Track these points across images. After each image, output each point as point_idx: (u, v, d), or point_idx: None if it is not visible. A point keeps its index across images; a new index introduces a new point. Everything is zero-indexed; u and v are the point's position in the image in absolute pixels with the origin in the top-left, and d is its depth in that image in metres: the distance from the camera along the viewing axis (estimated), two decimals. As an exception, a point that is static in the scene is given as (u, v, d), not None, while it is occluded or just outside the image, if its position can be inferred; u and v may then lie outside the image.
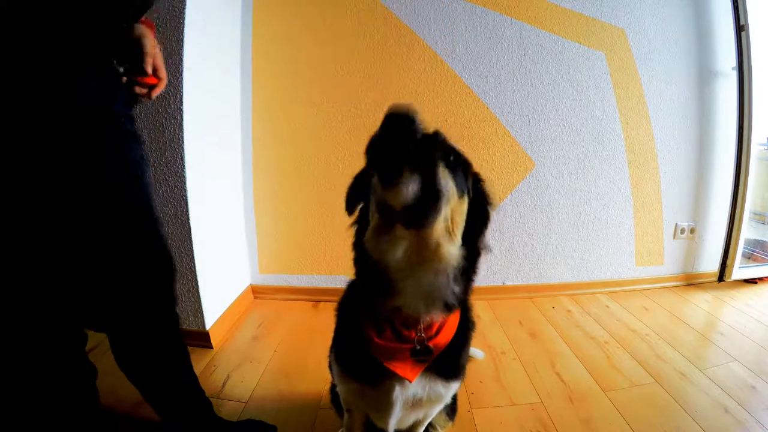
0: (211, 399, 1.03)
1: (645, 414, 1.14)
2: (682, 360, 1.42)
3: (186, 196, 1.36)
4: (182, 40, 1.28)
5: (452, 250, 0.57)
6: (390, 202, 0.49)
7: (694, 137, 2.02)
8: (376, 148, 0.48)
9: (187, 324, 1.46)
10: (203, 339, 1.46)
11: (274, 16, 1.74)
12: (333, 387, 0.96)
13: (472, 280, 0.66)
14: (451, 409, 0.99)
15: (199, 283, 1.43)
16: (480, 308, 1.85)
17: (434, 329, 0.65)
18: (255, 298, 1.90)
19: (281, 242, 1.89)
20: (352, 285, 0.75)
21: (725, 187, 2.08)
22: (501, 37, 1.80)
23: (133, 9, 0.72)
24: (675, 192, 2.05)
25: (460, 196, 0.57)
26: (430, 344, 0.64)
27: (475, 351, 1.32)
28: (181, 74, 1.29)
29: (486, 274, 1.98)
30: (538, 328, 1.67)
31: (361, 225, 0.65)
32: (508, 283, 1.99)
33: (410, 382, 0.66)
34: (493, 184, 1.97)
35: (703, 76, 1.98)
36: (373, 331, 0.65)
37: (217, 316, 1.54)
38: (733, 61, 1.97)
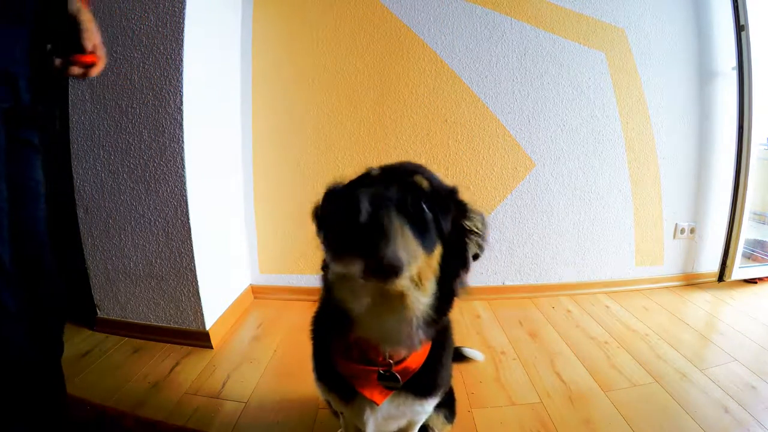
0: (211, 399, 1.02)
1: (645, 414, 1.14)
2: (682, 360, 1.42)
3: (186, 196, 1.36)
4: (182, 41, 1.28)
5: (420, 299, 0.54)
6: (340, 271, 0.49)
7: (694, 137, 2.02)
8: (320, 221, 0.47)
9: (187, 324, 1.47)
10: (203, 339, 1.46)
11: (274, 17, 1.74)
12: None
13: (445, 314, 0.61)
14: (450, 412, 0.98)
15: (199, 283, 1.43)
16: (480, 308, 1.85)
17: (402, 355, 0.62)
18: (255, 298, 1.90)
19: (281, 242, 1.89)
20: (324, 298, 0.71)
21: (725, 187, 2.07)
22: (501, 37, 1.80)
23: None
24: (675, 192, 2.05)
25: (430, 252, 0.53)
26: (399, 368, 0.61)
27: (474, 352, 1.31)
28: (180, 74, 1.29)
29: (486, 274, 1.98)
30: (538, 328, 1.67)
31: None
32: (508, 283, 1.99)
33: (377, 405, 0.63)
34: (493, 185, 1.98)
35: (703, 76, 1.98)
36: (340, 352, 0.63)
37: (217, 316, 1.54)
38: (733, 61, 1.96)
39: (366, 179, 0.54)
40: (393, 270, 0.47)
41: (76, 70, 0.72)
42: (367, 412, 0.66)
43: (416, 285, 0.53)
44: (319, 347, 0.71)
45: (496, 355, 1.45)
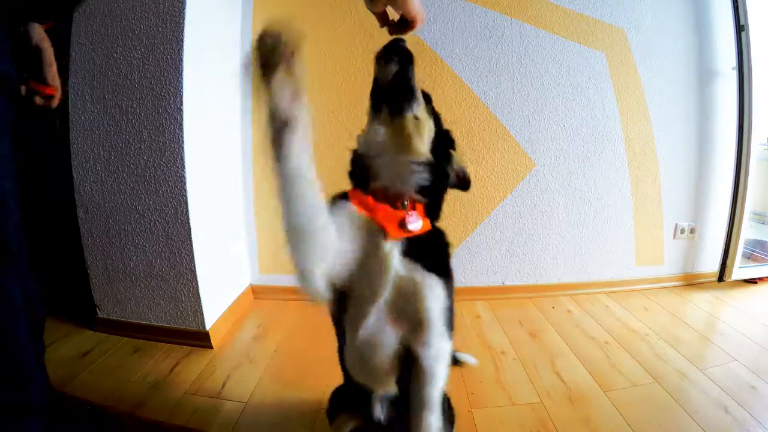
0: (211, 399, 1.02)
1: (645, 414, 1.14)
2: (682, 360, 1.42)
3: (186, 196, 1.36)
4: (182, 40, 1.28)
5: (420, 146, 0.70)
6: (381, 75, 0.71)
7: (694, 137, 2.02)
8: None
9: (187, 324, 1.47)
10: (203, 339, 1.46)
11: (274, 17, 1.74)
12: (331, 398, 0.96)
13: (443, 191, 0.75)
14: (450, 422, 0.94)
15: (199, 283, 1.43)
16: (480, 308, 1.85)
17: (411, 206, 0.70)
18: (255, 298, 1.90)
19: (281, 242, 1.88)
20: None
21: (725, 187, 2.07)
22: (501, 37, 1.80)
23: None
24: (675, 192, 2.05)
25: (427, 113, 0.73)
26: (413, 211, 0.70)
27: (468, 357, 1.30)
28: (180, 74, 1.29)
29: (486, 274, 1.98)
30: (538, 328, 1.67)
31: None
32: (508, 283, 1.99)
33: (390, 236, 0.66)
34: (493, 185, 1.98)
35: (703, 76, 1.98)
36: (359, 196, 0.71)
37: (217, 316, 1.54)
38: (733, 61, 1.96)
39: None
40: (411, 93, 0.71)
41: (38, 100, 0.73)
42: (386, 247, 0.66)
43: (418, 132, 0.69)
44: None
45: (496, 355, 1.45)
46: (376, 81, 0.74)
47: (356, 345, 0.70)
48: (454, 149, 0.77)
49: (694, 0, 1.92)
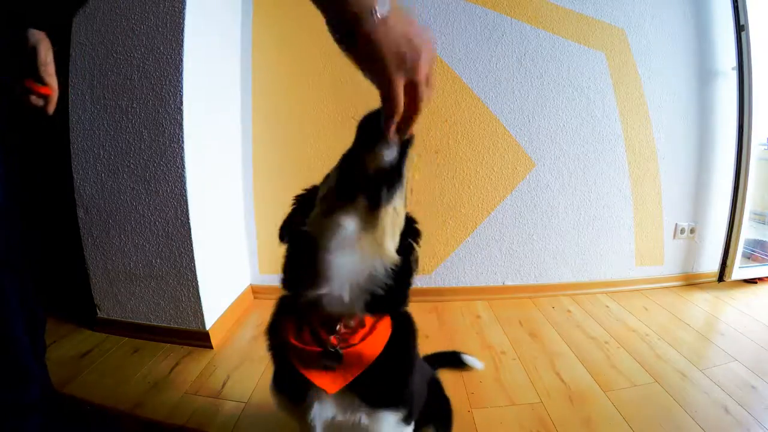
0: (211, 399, 1.02)
1: (645, 414, 1.14)
2: (682, 360, 1.42)
3: (186, 196, 1.36)
4: (182, 40, 1.28)
5: (390, 245, 0.58)
6: (368, 165, 0.53)
7: (694, 137, 2.02)
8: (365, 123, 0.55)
9: (187, 324, 1.47)
10: (203, 339, 1.46)
11: (274, 18, 1.74)
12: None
13: (408, 287, 0.63)
14: (444, 426, 0.92)
15: (199, 283, 1.43)
16: (480, 308, 1.85)
17: (359, 336, 0.59)
18: (255, 298, 1.90)
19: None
20: (280, 301, 0.68)
21: (725, 187, 2.07)
22: (501, 37, 1.80)
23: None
24: (675, 192, 2.05)
25: (403, 205, 0.60)
26: (351, 350, 0.58)
27: (474, 361, 1.30)
28: (180, 74, 1.29)
29: (486, 274, 1.98)
30: (538, 328, 1.67)
31: (298, 212, 0.67)
32: (508, 283, 1.99)
33: (327, 393, 0.58)
34: (493, 185, 1.98)
35: (703, 76, 1.98)
36: (292, 333, 0.60)
37: (217, 316, 1.54)
38: (733, 61, 1.96)
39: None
40: (398, 178, 0.55)
41: (35, 99, 0.72)
42: (315, 408, 0.60)
43: (392, 227, 0.58)
44: (277, 354, 0.67)
45: (496, 355, 1.45)
46: (353, 160, 0.56)
47: None
48: (418, 240, 0.66)
49: (694, 0, 1.92)
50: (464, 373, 1.30)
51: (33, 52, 0.68)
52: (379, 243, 0.57)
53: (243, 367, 1.35)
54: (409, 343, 0.66)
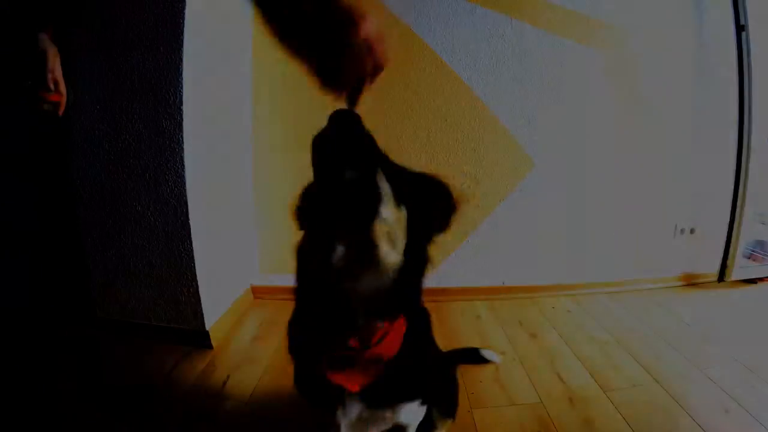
0: (211, 399, 1.02)
1: (645, 414, 1.14)
2: (682, 360, 1.42)
3: (186, 196, 1.35)
4: (182, 40, 1.27)
5: (392, 257, 0.55)
6: (339, 185, 0.51)
7: (694, 137, 2.02)
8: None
9: (186, 324, 1.46)
10: (203, 339, 1.46)
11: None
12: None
13: (418, 286, 0.63)
14: (449, 405, 0.96)
15: (199, 283, 1.42)
16: (480, 308, 1.85)
17: (376, 338, 0.60)
18: (255, 298, 1.90)
19: (281, 242, 1.88)
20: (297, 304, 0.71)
21: (725, 187, 2.07)
22: (501, 37, 1.80)
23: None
24: (675, 192, 2.05)
25: (399, 205, 0.57)
26: (370, 351, 0.59)
27: (492, 354, 1.31)
28: (180, 74, 1.29)
29: (486, 274, 1.98)
30: (538, 328, 1.67)
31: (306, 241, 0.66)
32: (508, 283, 1.99)
33: (352, 392, 0.61)
34: (493, 185, 1.98)
35: (703, 76, 1.98)
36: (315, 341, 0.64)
37: (217, 316, 1.54)
38: (733, 62, 1.96)
39: None
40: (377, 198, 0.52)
41: (45, 106, 0.75)
42: (339, 413, 0.63)
43: (389, 240, 0.55)
44: (299, 354, 0.70)
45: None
46: (321, 183, 0.54)
47: None
48: (431, 236, 0.64)
49: (694, 0, 1.92)
50: (464, 374, 1.30)
51: (43, 57, 0.70)
52: (377, 262, 0.55)
53: (243, 367, 1.35)
54: (425, 338, 0.69)
